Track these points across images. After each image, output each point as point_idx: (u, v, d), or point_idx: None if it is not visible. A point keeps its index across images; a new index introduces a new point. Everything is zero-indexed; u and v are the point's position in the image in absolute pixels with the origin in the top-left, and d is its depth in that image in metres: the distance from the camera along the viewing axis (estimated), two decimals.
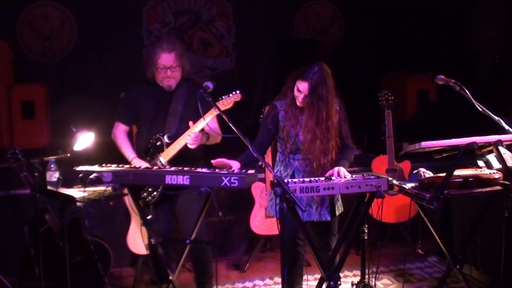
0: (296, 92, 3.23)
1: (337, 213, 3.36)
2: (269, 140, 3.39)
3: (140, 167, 3.31)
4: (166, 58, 3.54)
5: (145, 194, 3.55)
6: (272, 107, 3.35)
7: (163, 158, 3.52)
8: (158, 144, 3.57)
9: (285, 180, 2.87)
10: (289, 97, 3.29)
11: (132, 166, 3.42)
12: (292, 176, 3.27)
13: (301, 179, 3.04)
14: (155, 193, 3.53)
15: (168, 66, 3.54)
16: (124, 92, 4.26)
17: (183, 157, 3.50)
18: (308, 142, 3.22)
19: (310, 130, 3.20)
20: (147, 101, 3.65)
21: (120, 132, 3.70)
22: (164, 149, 3.54)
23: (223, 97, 3.43)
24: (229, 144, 3.66)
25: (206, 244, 3.72)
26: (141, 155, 3.62)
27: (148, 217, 3.54)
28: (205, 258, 3.73)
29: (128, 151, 3.64)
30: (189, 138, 3.46)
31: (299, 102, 3.24)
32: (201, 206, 3.29)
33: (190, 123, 3.49)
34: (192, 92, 3.57)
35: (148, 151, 3.60)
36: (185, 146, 3.51)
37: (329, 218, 3.29)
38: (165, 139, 3.55)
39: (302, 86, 3.18)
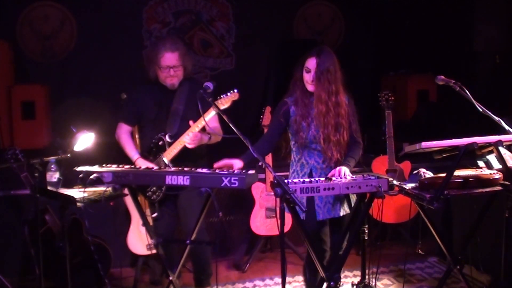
0: (305, 75, 3.22)
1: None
2: (279, 133, 3.33)
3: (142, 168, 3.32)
4: (170, 58, 3.54)
5: (150, 192, 3.58)
6: (283, 103, 3.31)
7: (166, 157, 3.54)
8: (160, 143, 3.58)
9: (286, 181, 2.86)
10: (298, 89, 3.27)
11: (134, 166, 3.43)
12: (310, 175, 3.24)
13: (301, 180, 3.04)
14: (159, 191, 3.56)
15: (171, 66, 3.55)
16: (124, 93, 4.27)
17: (186, 156, 3.52)
18: (323, 114, 3.19)
19: (322, 101, 3.19)
20: (150, 101, 3.65)
21: (124, 132, 3.71)
22: (166, 149, 3.55)
23: (221, 96, 3.43)
24: (231, 144, 3.66)
25: (206, 244, 3.73)
26: (144, 154, 3.64)
27: (154, 215, 3.61)
28: (204, 256, 3.75)
29: (132, 152, 3.65)
30: (187, 138, 3.47)
31: (309, 82, 3.21)
32: (202, 205, 3.30)
33: (191, 122, 3.50)
34: (194, 91, 3.57)
35: (151, 151, 3.62)
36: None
37: (349, 211, 3.27)
38: (167, 138, 3.56)
39: (310, 63, 3.20)
